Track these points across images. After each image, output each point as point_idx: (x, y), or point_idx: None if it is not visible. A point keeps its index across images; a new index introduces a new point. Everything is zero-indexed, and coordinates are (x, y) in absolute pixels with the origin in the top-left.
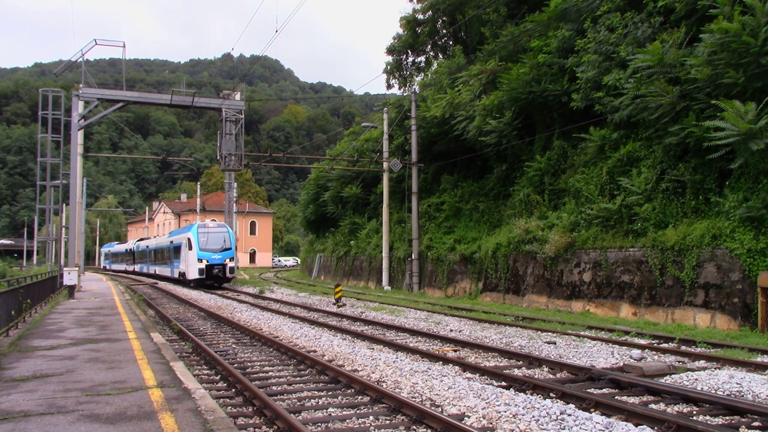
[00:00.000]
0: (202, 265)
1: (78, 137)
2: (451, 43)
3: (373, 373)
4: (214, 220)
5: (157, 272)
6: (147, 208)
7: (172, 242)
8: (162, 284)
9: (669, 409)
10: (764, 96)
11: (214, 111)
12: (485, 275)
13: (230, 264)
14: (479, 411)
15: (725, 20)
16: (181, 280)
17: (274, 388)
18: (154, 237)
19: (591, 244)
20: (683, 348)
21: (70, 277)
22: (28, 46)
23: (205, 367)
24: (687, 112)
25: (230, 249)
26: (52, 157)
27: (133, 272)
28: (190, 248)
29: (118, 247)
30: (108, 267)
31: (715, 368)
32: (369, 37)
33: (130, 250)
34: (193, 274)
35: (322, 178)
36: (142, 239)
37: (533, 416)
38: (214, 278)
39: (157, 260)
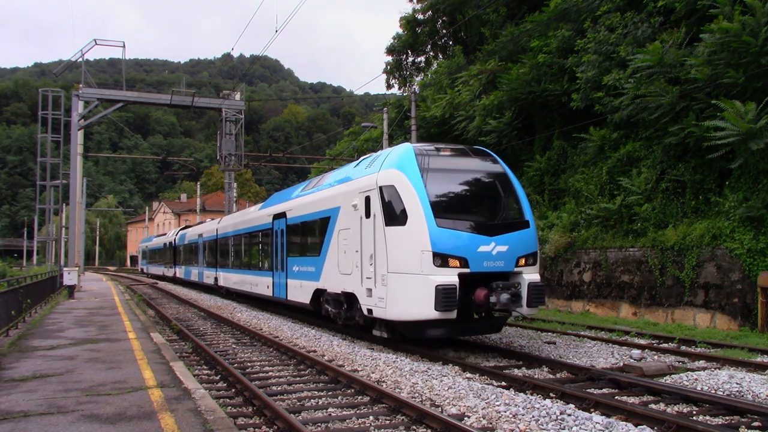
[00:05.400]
0: (451, 279)
1: (78, 137)
2: (451, 43)
3: (373, 373)
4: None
5: (224, 283)
6: (147, 208)
7: (279, 216)
8: (162, 284)
9: (669, 409)
10: (764, 96)
11: (214, 111)
12: None
13: (531, 275)
14: (479, 411)
15: (725, 20)
16: (326, 317)
17: (274, 388)
18: (210, 220)
19: (591, 244)
20: (683, 348)
21: (70, 277)
22: (28, 46)
23: (205, 367)
24: (687, 112)
25: (528, 223)
26: (52, 157)
27: (173, 279)
28: (391, 221)
29: (156, 242)
30: (145, 270)
31: (715, 368)
32: (369, 37)
33: (171, 244)
34: (412, 306)
35: None
36: (188, 226)
37: (533, 416)
38: (488, 311)
39: (228, 261)
